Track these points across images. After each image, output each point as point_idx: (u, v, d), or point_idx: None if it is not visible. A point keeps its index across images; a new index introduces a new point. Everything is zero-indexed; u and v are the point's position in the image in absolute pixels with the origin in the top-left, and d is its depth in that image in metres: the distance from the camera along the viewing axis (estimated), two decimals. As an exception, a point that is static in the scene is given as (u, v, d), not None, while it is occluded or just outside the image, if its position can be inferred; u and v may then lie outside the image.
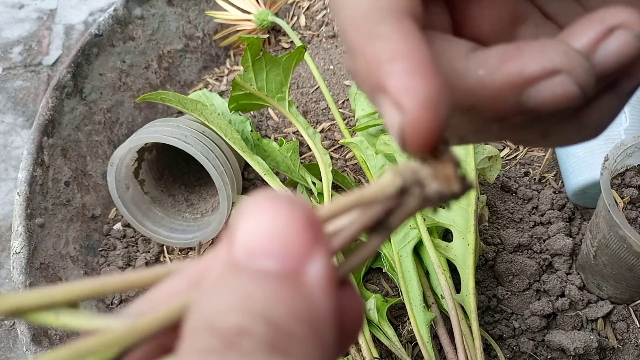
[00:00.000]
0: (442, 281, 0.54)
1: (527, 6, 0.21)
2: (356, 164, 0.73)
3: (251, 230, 0.13)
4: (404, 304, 0.56)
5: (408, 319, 0.56)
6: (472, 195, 0.56)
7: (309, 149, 0.76)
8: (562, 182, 0.66)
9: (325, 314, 0.13)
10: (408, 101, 0.15)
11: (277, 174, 0.64)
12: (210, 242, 0.70)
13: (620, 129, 0.61)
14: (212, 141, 0.64)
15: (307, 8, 0.90)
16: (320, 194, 0.64)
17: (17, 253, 0.61)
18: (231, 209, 0.66)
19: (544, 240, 0.63)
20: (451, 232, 0.57)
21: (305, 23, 0.89)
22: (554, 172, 0.69)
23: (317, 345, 0.12)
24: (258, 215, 0.13)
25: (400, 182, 0.15)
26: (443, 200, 0.16)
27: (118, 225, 0.73)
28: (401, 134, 0.16)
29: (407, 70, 0.15)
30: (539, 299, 0.59)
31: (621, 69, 0.18)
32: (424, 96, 0.15)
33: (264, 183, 0.65)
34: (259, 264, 0.13)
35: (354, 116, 0.74)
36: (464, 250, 0.55)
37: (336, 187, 0.69)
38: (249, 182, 0.74)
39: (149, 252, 0.71)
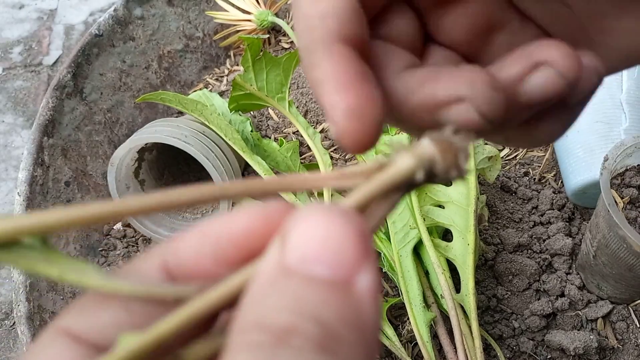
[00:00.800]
0: (442, 281, 0.54)
1: (505, 13, 0.22)
2: (356, 163, 0.73)
3: (305, 238, 0.13)
4: (403, 303, 0.56)
5: (408, 318, 0.56)
6: (472, 195, 0.56)
7: (309, 149, 0.76)
8: (561, 182, 0.67)
9: (373, 324, 0.13)
10: (335, 114, 0.18)
11: (277, 174, 0.64)
12: (211, 242, 0.70)
13: (620, 129, 0.61)
14: (212, 141, 0.64)
15: (307, 8, 0.90)
16: (320, 194, 0.64)
17: (17, 253, 0.60)
18: (231, 209, 0.66)
19: (544, 240, 0.63)
20: (451, 232, 0.57)
21: (305, 23, 0.89)
22: (554, 172, 0.69)
23: (365, 352, 0.13)
24: (312, 224, 0.13)
25: (422, 177, 0.16)
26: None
27: (118, 225, 0.73)
28: (338, 141, 0.18)
29: (333, 90, 0.18)
30: (538, 299, 0.59)
31: (550, 100, 0.19)
32: (346, 109, 0.18)
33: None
34: (311, 270, 0.13)
35: (354, 116, 0.74)
36: (463, 250, 0.55)
37: (336, 187, 0.69)
38: (249, 182, 0.74)
39: (149, 252, 0.71)
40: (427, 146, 0.16)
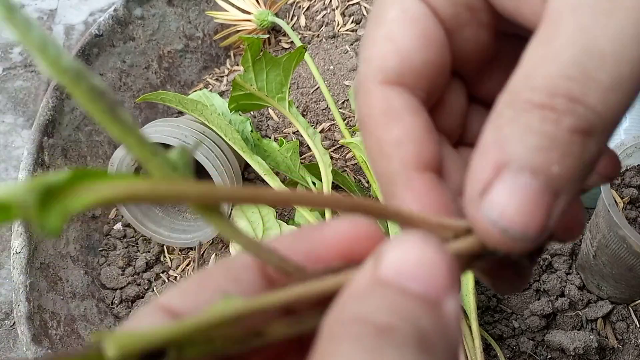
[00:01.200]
0: (442, 281, 0.54)
1: None
2: (356, 164, 0.73)
3: (400, 256, 0.15)
4: (404, 303, 0.55)
5: (408, 318, 0.56)
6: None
7: (309, 149, 0.76)
8: (561, 182, 0.66)
9: (457, 344, 0.15)
10: None
11: (277, 174, 0.64)
12: (210, 241, 0.70)
13: (620, 129, 0.61)
14: (212, 141, 0.64)
15: (307, 8, 0.90)
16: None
17: (17, 253, 0.61)
18: (231, 209, 0.66)
19: (544, 240, 0.63)
20: (451, 232, 0.57)
21: (305, 23, 0.89)
22: (554, 172, 0.69)
23: None
24: (408, 246, 0.15)
25: (500, 255, 0.18)
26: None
27: (118, 225, 0.73)
28: None
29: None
30: (538, 299, 0.59)
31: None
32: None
33: (264, 183, 0.65)
34: (406, 283, 0.15)
35: (354, 116, 0.74)
36: (463, 250, 0.55)
37: (336, 187, 0.69)
38: (249, 182, 0.74)
39: (149, 252, 0.71)
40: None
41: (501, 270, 0.21)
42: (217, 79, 0.87)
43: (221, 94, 0.84)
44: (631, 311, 0.58)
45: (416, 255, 0.15)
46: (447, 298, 0.15)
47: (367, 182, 0.71)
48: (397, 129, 0.20)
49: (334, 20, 0.87)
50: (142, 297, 0.68)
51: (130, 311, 0.68)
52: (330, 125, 0.77)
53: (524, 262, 0.20)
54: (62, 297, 0.64)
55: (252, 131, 0.69)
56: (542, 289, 0.60)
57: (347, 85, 0.80)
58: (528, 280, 0.21)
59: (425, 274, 0.15)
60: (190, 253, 0.71)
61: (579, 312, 0.58)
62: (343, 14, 0.87)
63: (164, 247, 0.71)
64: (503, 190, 0.17)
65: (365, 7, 0.87)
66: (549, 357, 0.56)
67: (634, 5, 0.16)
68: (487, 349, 0.57)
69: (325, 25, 0.88)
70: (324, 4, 0.89)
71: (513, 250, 0.17)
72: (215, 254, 0.70)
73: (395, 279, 0.15)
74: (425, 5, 0.21)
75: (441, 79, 0.21)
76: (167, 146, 0.66)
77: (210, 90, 0.82)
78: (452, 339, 0.14)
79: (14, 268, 0.60)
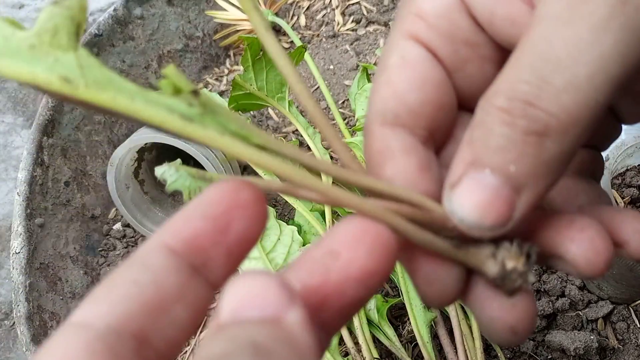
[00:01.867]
0: (442, 281, 0.54)
1: None
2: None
3: (233, 297, 0.16)
4: (404, 304, 0.55)
5: (408, 319, 0.56)
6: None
7: (309, 149, 0.75)
8: (562, 182, 0.66)
9: (306, 346, 0.16)
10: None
11: (277, 174, 0.64)
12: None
13: (620, 128, 0.61)
14: (212, 141, 0.64)
15: (307, 8, 0.90)
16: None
17: (17, 253, 0.60)
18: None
19: (544, 240, 0.63)
20: (451, 232, 0.57)
21: (305, 23, 0.89)
22: (554, 172, 0.69)
23: None
24: (238, 286, 0.16)
25: (490, 274, 0.21)
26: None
27: (118, 225, 0.73)
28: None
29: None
30: (539, 299, 0.59)
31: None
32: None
33: (264, 183, 0.65)
34: (243, 315, 0.16)
35: (354, 116, 0.74)
36: (464, 250, 0.55)
37: (336, 187, 0.69)
38: (249, 182, 0.74)
39: (148, 252, 0.71)
40: (510, 265, 0.20)
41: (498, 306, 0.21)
42: (217, 79, 0.87)
43: (221, 93, 0.84)
44: (632, 311, 0.58)
45: (247, 288, 0.16)
46: (287, 312, 0.16)
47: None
48: (389, 168, 0.21)
49: (334, 20, 0.87)
50: (142, 297, 0.68)
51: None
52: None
53: (518, 283, 0.20)
54: (61, 298, 0.64)
55: (252, 131, 0.69)
56: (542, 289, 0.60)
57: (347, 85, 0.80)
58: (530, 322, 0.21)
59: (258, 300, 0.16)
60: (190, 253, 0.71)
61: (580, 312, 0.58)
62: (343, 14, 0.87)
63: (164, 247, 0.71)
64: (466, 186, 0.19)
65: (365, 7, 0.87)
66: (549, 357, 0.56)
67: (591, 13, 0.17)
68: (487, 349, 0.57)
69: (325, 25, 0.87)
70: (324, 3, 0.89)
71: (474, 235, 0.19)
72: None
73: (233, 317, 0.16)
74: (423, 49, 0.22)
75: (443, 116, 0.22)
76: (167, 146, 0.66)
77: (210, 90, 0.82)
78: (298, 344, 0.15)
79: (13, 268, 0.60)
